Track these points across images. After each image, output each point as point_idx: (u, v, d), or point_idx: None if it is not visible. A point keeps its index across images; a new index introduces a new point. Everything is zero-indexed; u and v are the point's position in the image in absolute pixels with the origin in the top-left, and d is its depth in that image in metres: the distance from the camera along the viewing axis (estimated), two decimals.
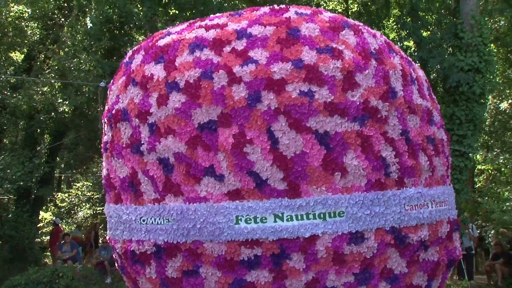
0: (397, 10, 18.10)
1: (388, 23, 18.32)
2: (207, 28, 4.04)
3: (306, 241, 3.64)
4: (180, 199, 3.85)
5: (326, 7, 19.02)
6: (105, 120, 4.43)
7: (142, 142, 3.98)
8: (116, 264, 4.57)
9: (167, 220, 3.87)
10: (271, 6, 4.21)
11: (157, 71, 3.97)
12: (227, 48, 3.85)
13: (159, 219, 3.90)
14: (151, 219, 3.94)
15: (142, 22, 14.72)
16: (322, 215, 3.65)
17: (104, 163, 4.47)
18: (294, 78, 3.67)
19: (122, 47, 14.92)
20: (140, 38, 15.54)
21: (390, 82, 3.87)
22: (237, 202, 3.69)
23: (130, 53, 4.47)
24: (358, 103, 3.71)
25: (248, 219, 3.67)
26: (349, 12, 19.40)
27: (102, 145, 4.59)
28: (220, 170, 3.72)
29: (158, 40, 4.23)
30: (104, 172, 4.43)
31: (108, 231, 4.43)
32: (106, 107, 4.46)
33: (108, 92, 4.61)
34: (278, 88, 3.67)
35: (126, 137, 4.10)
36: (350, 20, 4.18)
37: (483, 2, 15.49)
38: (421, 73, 4.42)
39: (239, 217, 3.68)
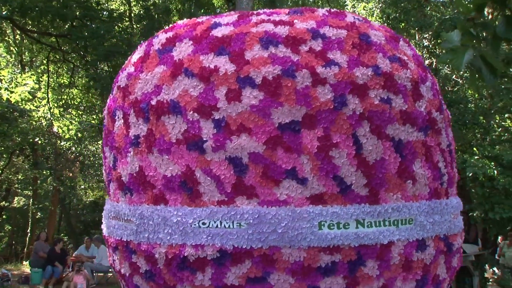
0: None
1: None
2: (275, 24, 3.70)
3: (382, 248, 3.52)
4: (254, 202, 3.44)
5: None
6: (132, 111, 3.77)
7: (204, 139, 3.47)
8: (125, 272, 3.88)
9: (238, 224, 3.42)
10: (327, 8, 4.02)
11: (222, 63, 3.53)
12: (304, 47, 3.57)
13: (229, 222, 3.43)
14: (216, 222, 3.45)
15: None
16: (396, 222, 3.56)
17: (128, 159, 3.79)
18: (375, 84, 3.54)
19: None
20: None
21: (439, 95, 3.96)
22: (320, 207, 3.43)
23: (162, 40, 3.88)
24: (424, 114, 3.71)
25: (331, 224, 3.43)
26: None
27: (116, 138, 3.90)
28: (302, 173, 3.41)
29: (207, 30, 3.74)
30: (131, 168, 3.76)
31: (132, 234, 3.75)
32: (133, 97, 3.80)
33: (125, 79, 3.93)
34: (362, 93, 3.51)
35: (176, 132, 3.55)
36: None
37: None
38: None
39: (322, 223, 3.42)
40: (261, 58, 3.51)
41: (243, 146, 3.43)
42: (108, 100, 4.25)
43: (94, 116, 23.33)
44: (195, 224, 3.49)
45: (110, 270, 20.86)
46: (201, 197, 3.51)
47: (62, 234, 25.51)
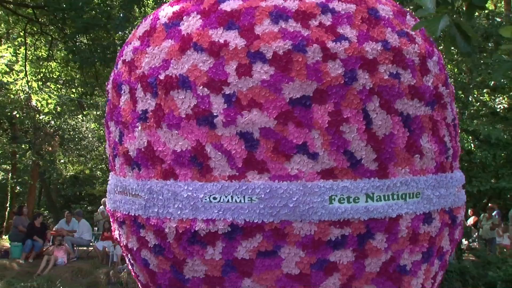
0: None
1: None
2: None
3: (391, 221, 3.55)
4: (265, 177, 3.44)
5: None
6: (139, 86, 3.71)
7: (214, 114, 3.44)
8: (132, 246, 3.87)
9: (250, 199, 3.41)
10: None
11: (232, 38, 3.48)
12: (314, 22, 3.54)
13: (240, 197, 3.42)
14: (227, 197, 3.44)
15: None
16: (404, 196, 3.60)
17: (136, 134, 3.74)
18: (384, 59, 3.54)
19: None
20: None
21: (445, 70, 3.97)
22: (331, 182, 3.44)
23: (168, 14, 3.81)
24: (431, 88, 3.72)
25: (341, 198, 3.45)
26: None
27: (122, 112, 3.84)
28: (313, 148, 3.41)
29: (215, 4, 3.68)
30: (139, 143, 3.71)
31: (140, 209, 3.72)
32: (139, 71, 3.73)
33: (130, 53, 3.86)
34: (372, 68, 3.51)
35: (186, 107, 3.51)
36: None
37: None
38: None
39: (333, 197, 3.44)
40: (272, 32, 3.47)
41: (254, 121, 3.41)
42: (111, 74, 4.18)
43: (74, 90, 22.97)
44: (206, 199, 3.48)
45: (91, 244, 20.81)
46: (212, 172, 3.49)
47: (43, 209, 25.21)
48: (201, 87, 3.47)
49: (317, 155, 3.42)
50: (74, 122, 23.64)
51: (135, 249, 3.90)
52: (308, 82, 3.40)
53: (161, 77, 3.59)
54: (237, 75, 3.43)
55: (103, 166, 25.58)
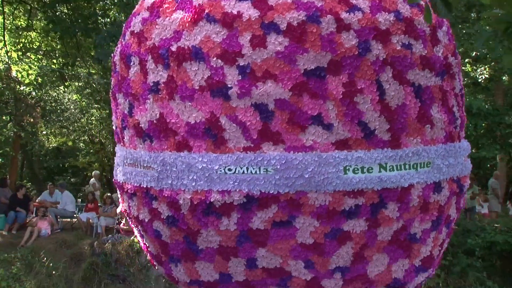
0: None
1: None
2: None
3: (403, 191, 3.59)
4: (280, 148, 3.44)
5: None
6: (150, 58, 3.66)
7: (229, 86, 3.41)
8: (144, 218, 3.86)
9: (265, 170, 3.42)
10: None
11: (245, 9, 3.44)
12: None
13: (255, 168, 3.42)
14: (242, 168, 3.44)
15: None
16: (415, 166, 3.63)
17: (147, 106, 3.70)
18: (397, 30, 3.53)
19: None
20: None
21: (453, 40, 3.97)
22: (345, 152, 3.45)
23: None
24: (441, 59, 3.73)
25: (355, 169, 3.47)
26: None
27: (132, 84, 3.79)
28: (328, 119, 3.42)
29: None
30: (151, 115, 3.68)
31: (153, 181, 3.71)
32: (150, 43, 3.67)
33: (139, 24, 3.80)
34: (385, 38, 3.50)
35: (199, 79, 3.47)
36: None
37: None
38: None
39: (347, 167, 3.46)
40: (285, 3, 3.44)
41: (269, 93, 3.39)
42: (118, 46, 4.10)
43: (55, 61, 22.56)
44: (221, 171, 3.47)
45: (75, 215, 20.74)
46: (226, 143, 3.48)
47: (25, 181, 24.96)
48: (214, 59, 3.43)
49: (332, 126, 3.43)
50: (55, 93, 23.27)
51: (146, 220, 3.89)
52: (323, 53, 3.39)
53: (173, 48, 3.54)
54: (251, 46, 3.39)
55: (86, 138, 25.36)
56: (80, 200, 23.33)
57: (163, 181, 3.66)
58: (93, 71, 23.56)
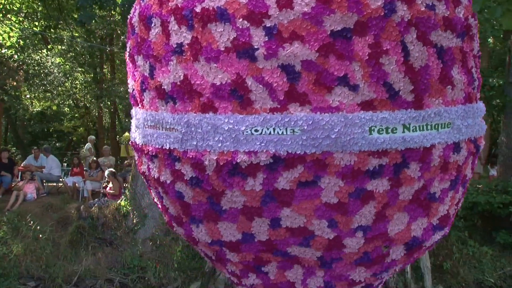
0: None
1: None
2: None
3: (425, 151, 3.64)
4: (307, 109, 3.44)
5: None
6: (172, 19, 3.60)
7: (255, 47, 3.39)
8: (166, 179, 3.86)
9: (291, 130, 3.43)
10: None
11: None
12: None
13: (282, 129, 3.43)
14: (269, 129, 3.44)
15: None
16: (436, 126, 3.67)
17: (170, 68, 3.66)
18: None
19: None
20: None
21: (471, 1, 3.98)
22: (371, 113, 3.48)
23: None
24: (462, 20, 3.74)
25: (380, 129, 3.50)
26: None
27: (153, 46, 3.74)
28: (354, 80, 3.42)
29: None
30: (175, 77, 3.64)
31: (176, 142, 3.70)
32: (172, 4, 3.61)
33: None
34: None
35: (225, 40, 3.44)
36: None
37: None
38: None
39: (372, 128, 3.48)
40: None
41: (296, 54, 3.37)
42: (135, 8, 4.03)
43: (37, 23, 22.11)
44: (247, 131, 3.48)
45: (61, 179, 20.67)
46: (253, 104, 3.47)
47: (10, 145, 24.72)
48: (240, 20, 3.40)
49: (358, 87, 3.44)
50: (38, 56, 22.87)
51: (168, 182, 3.89)
52: (349, 14, 3.36)
53: (197, 9, 3.49)
54: (277, 7, 3.36)
55: (71, 102, 25.08)
56: (65, 164, 23.19)
57: (187, 143, 3.65)
58: (76, 34, 23.17)
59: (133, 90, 4.21)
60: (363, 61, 3.41)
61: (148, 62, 3.84)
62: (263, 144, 3.47)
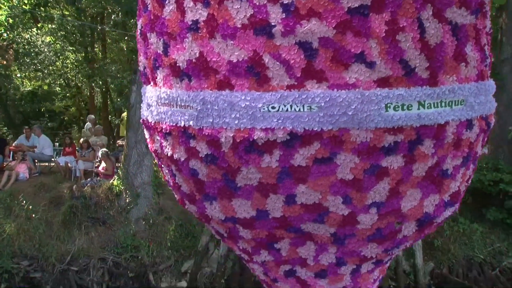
0: None
1: None
2: None
3: (439, 128, 3.65)
4: (324, 86, 3.44)
5: None
6: None
7: (272, 24, 3.37)
8: (179, 157, 3.86)
9: (308, 107, 3.43)
10: None
11: None
12: None
13: (299, 106, 3.43)
14: (286, 106, 3.44)
15: None
16: (450, 103, 3.68)
17: (185, 45, 3.63)
18: None
19: None
20: None
21: None
22: (387, 90, 3.48)
23: None
24: None
25: (396, 106, 3.51)
26: None
27: (167, 23, 3.70)
28: (371, 57, 3.42)
29: None
30: (190, 54, 3.61)
31: (192, 120, 3.68)
32: None
33: None
34: None
35: (242, 17, 3.41)
36: None
37: None
38: None
39: (388, 105, 3.49)
40: None
41: (313, 31, 3.36)
42: None
43: (26, 1, 21.77)
44: (264, 108, 3.47)
45: (53, 159, 20.56)
46: (270, 81, 3.46)
47: (1, 125, 24.51)
48: None
49: (374, 64, 3.43)
50: (28, 35, 22.56)
51: (182, 159, 3.88)
52: None
53: None
54: None
55: (62, 81, 24.83)
56: (57, 144, 23.06)
57: (203, 120, 3.64)
58: (66, 13, 22.87)
59: (145, 68, 4.18)
60: (380, 38, 3.40)
61: (162, 39, 3.80)
62: (280, 121, 3.47)
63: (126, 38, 21.53)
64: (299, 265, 4.28)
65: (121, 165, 19.22)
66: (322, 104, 3.43)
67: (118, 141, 22.73)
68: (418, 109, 3.56)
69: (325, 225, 3.89)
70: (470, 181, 4.31)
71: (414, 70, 3.51)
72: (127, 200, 18.71)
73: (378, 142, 3.55)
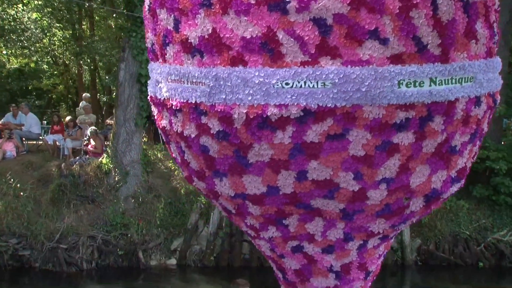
0: None
1: None
2: None
3: (449, 104, 3.68)
4: (338, 62, 3.43)
5: None
6: None
7: (287, 0, 3.34)
8: (190, 133, 3.85)
9: (322, 84, 3.43)
10: None
11: None
12: None
13: (313, 82, 3.43)
14: (300, 82, 3.44)
15: None
16: (460, 80, 3.70)
17: (197, 21, 3.59)
18: None
19: None
20: None
21: None
22: (400, 66, 3.49)
23: None
24: None
25: (408, 83, 3.52)
26: None
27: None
28: (384, 33, 3.42)
29: None
30: (203, 30, 3.58)
31: (204, 96, 3.66)
32: None
33: None
34: None
35: None
36: None
37: None
38: None
39: (401, 81, 3.50)
40: None
41: (328, 7, 3.34)
42: None
43: None
44: (278, 85, 3.46)
45: (41, 137, 20.39)
46: (284, 58, 3.45)
47: None
48: None
49: (388, 41, 3.43)
50: (14, 11, 22.17)
51: (192, 136, 3.87)
52: None
53: None
54: None
55: (49, 59, 24.51)
56: (45, 122, 22.85)
57: (215, 96, 3.62)
58: None
59: (153, 44, 4.13)
60: (394, 15, 3.39)
61: (172, 15, 3.76)
62: (294, 97, 3.46)
63: (114, 15, 21.24)
64: (307, 240, 4.31)
65: (110, 143, 19.10)
66: (336, 81, 3.43)
67: (106, 120, 22.56)
68: (430, 85, 3.57)
69: (335, 201, 3.92)
70: (475, 158, 4.35)
71: (426, 46, 3.52)
72: (116, 178, 18.64)
73: (390, 118, 3.57)
